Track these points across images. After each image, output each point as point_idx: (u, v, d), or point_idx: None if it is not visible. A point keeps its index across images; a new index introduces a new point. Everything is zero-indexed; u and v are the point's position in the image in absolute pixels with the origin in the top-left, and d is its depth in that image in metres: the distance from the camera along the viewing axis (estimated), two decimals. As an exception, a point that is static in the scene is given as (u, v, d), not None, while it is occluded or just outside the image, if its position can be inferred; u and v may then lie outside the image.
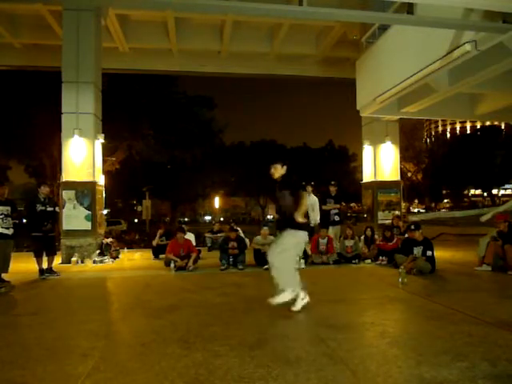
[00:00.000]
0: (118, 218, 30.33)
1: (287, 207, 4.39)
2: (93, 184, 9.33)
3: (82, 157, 9.30)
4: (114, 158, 20.87)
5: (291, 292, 4.29)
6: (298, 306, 4.29)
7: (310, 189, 9.89)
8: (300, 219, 4.23)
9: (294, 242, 4.36)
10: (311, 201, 9.70)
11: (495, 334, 3.47)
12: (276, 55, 13.32)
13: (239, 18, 11.40)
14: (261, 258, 7.64)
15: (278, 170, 4.50)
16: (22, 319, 4.42)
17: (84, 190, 9.21)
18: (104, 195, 10.16)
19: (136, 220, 35.97)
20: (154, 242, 9.62)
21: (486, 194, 52.36)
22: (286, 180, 4.53)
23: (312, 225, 9.44)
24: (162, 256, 8.81)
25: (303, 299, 4.33)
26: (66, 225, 9.15)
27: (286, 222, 4.41)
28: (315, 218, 9.72)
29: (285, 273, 4.29)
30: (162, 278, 6.82)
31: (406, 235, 7.86)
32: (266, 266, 7.38)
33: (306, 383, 2.57)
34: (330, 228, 8.84)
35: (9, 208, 6.23)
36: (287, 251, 4.31)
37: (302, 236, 4.40)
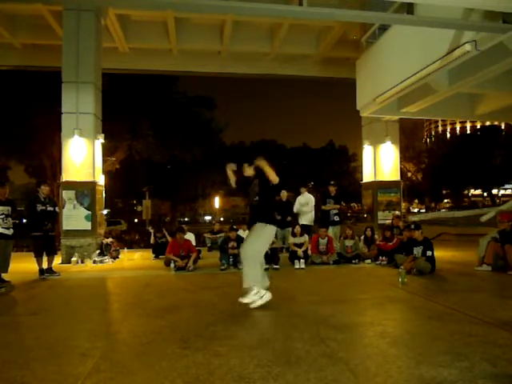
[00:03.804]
0: (117, 218, 30.27)
1: (256, 199, 4.56)
2: (93, 184, 9.34)
3: (82, 157, 9.30)
4: (113, 158, 20.84)
5: (257, 290, 4.39)
6: (256, 303, 4.37)
7: (303, 189, 10.20)
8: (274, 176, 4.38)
9: (263, 233, 4.48)
10: (305, 199, 9.95)
11: (495, 333, 3.47)
12: (276, 55, 13.30)
13: (239, 18, 11.39)
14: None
15: (246, 170, 4.80)
16: (22, 319, 4.42)
17: (84, 190, 9.22)
18: (104, 195, 10.17)
19: (136, 220, 35.89)
20: (152, 240, 9.95)
21: (485, 194, 52.34)
22: (258, 173, 4.68)
23: (306, 223, 9.63)
24: (161, 256, 8.82)
25: (263, 297, 4.39)
26: (66, 225, 9.16)
27: (255, 216, 4.57)
28: (310, 216, 9.91)
29: (251, 265, 4.41)
30: (161, 278, 6.82)
31: (403, 236, 7.85)
32: (265, 266, 7.41)
33: (305, 383, 2.57)
34: (330, 228, 8.86)
35: (9, 208, 6.24)
36: (256, 242, 4.46)
37: (271, 229, 4.53)
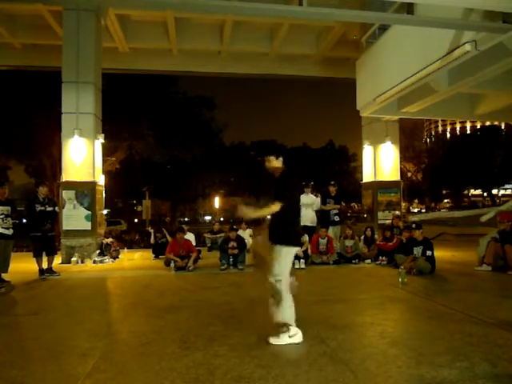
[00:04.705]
0: (117, 218, 30.29)
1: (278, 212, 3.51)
2: (93, 184, 9.33)
3: (82, 157, 9.30)
4: (113, 158, 20.84)
5: (294, 333, 3.36)
6: (281, 340, 3.34)
7: (307, 189, 10.11)
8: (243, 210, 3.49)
9: (279, 258, 3.48)
10: (309, 200, 9.86)
11: (495, 333, 3.48)
12: (276, 55, 13.31)
13: (239, 18, 11.39)
14: (261, 258, 7.66)
15: (273, 163, 3.74)
16: (21, 319, 4.42)
17: (84, 190, 9.22)
18: (104, 195, 10.17)
19: (136, 220, 35.93)
20: (152, 240, 10.02)
21: (485, 194, 52.35)
22: (284, 179, 3.68)
23: (310, 224, 9.56)
24: (161, 256, 8.82)
25: (291, 336, 3.36)
26: (66, 225, 9.16)
27: (271, 232, 3.63)
28: (312, 217, 9.85)
29: (283, 296, 3.42)
30: (162, 278, 6.82)
31: (402, 236, 7.86)
32: (266, 266, 7.43)
33: (305, 383, 2.57)
34: (330, 228, 8.84)
35: (9, 208, 6.25)
36: (276, 269, 3.46)
37: (287, 252, 3.51)
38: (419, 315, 4.21)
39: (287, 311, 3.40)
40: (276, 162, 3.76)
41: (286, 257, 3.51)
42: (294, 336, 3.36)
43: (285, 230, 3.54)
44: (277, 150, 3.92)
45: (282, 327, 3.39)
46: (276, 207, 3.46)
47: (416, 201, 56.55)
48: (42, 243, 6.93)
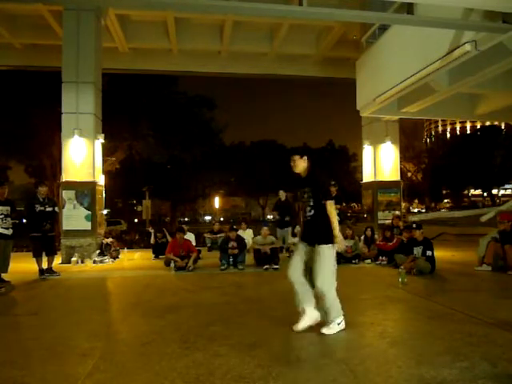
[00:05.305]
0: (117, 218, 30.28)
1: (311, 214, 3.64)
2: (93, 184, 9.34)
3: (82, 157, 9.31)
4: (113, 158, 20.84)
5: (341, 320, 3.63)
6: (332, 329, 3.57)
7: None
8: (339, 237, 3.54)
9: (328, 257, 3.57)
10: None
11: (495, 333, 3.47)
12: (276, 55, 13.31)
13: (239, 18, 11.38)
14: (261, 258, 7.66)
15: (298, 163, 3.80)
16: (22, 319, 4.42)
17: (84, 190, 9.22)
18: (104, 195, 10.17)
19: (136, 220, 35.93)
20: (152, 240, 9.94)
21: (485, 194, 52.36)
22: (311, 177, 3.80)
23: None
24: (161, 256, 8.82)
25: (339, 324, 3.62)
26: (66, 225, 9.17)
27: (313, 235, 3.64)
28: None
29: (332, 295, 3.61)
30: (161, 278, 6.82)
31: (403, 236, 7.86)
32: (265, 266, 7.43)
33: (305, 383, 2.57)
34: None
35: (8, 208, 6.25)
36: (327, 270, 3.56)
37: (333, 248, 3.63)
38: (419, 315, 4.21)
39: (335, 306, 3.62)
40: (302, 161, 3.85)
41: (332, 255, 3.61)
42: (341, 323, 3.63)
43: (326, 228, 3.58)
44: (302, 149, 4.17)
45: (332, 319, 3.59)
46: (332, 207, 3.61)
47: (416, 201, 56.56)
48: (42, 243, 6.93)
